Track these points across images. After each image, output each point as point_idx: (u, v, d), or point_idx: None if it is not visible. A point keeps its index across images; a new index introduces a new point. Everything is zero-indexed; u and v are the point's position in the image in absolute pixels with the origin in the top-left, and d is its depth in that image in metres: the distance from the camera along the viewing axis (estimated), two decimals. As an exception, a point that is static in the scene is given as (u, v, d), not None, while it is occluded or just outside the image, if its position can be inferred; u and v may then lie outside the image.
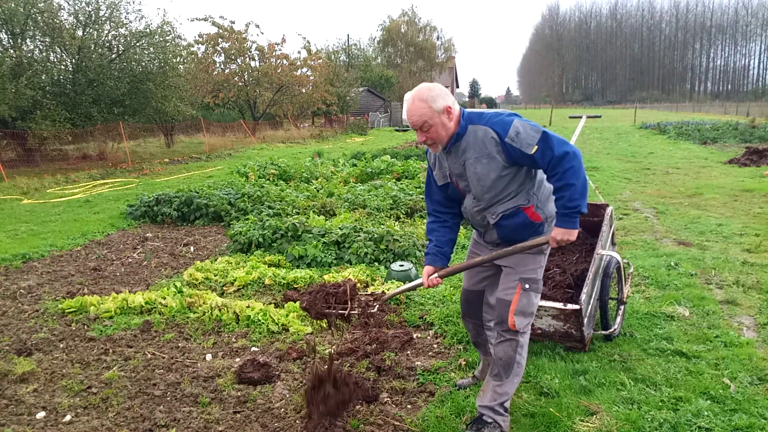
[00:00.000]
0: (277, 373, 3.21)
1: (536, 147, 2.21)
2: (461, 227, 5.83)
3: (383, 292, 2.81)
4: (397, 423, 2.68)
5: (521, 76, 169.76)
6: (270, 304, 4.31)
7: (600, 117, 5.89)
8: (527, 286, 2.45)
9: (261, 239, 5.81)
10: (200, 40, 26.39)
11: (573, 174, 2.18)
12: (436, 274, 2.57)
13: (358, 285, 4.67)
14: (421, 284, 2.61)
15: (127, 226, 7.65)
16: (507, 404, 2.50)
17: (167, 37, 18.53)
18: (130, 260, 5.92)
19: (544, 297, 3.42)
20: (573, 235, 2.27)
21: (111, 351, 3.58)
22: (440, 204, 2.67)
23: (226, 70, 27.00)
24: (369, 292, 2.96)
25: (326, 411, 2.57)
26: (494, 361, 2.52)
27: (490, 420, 2.46)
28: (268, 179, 10.54)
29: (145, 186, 11.58)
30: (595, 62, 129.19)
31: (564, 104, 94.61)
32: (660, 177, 10.88)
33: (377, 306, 2.71)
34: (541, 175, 2.45)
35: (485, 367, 2.94)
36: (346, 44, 48.80)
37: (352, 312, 2.63)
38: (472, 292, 2.78)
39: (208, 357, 3.48)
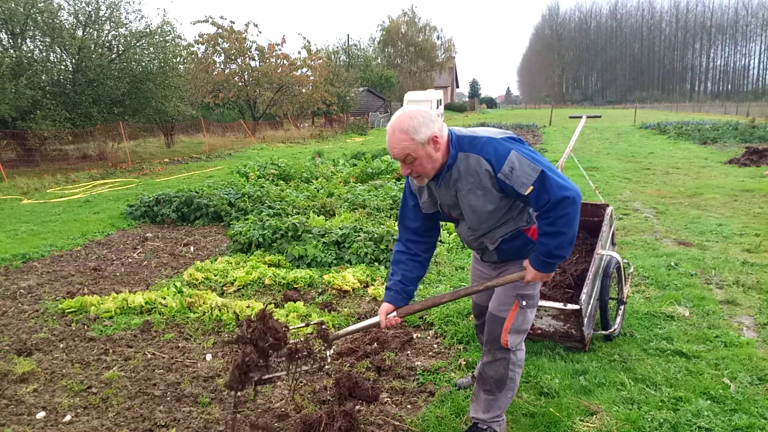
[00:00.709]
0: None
1: (531, 188, 1.99)
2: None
3: (322, 322, 2.37)
4: (397, 423, 2.68)
5: (521, 76, 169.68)
6: (270, 304, 4.31)
7: (600, 117, 5.89)
8: (524, 303, 2.29)
9: (261, 239, 5.81)
10: (200, 40, 26.43)
11: (566, 222, 1.99)
12: (394, 313, 2.31)
13: (354, 284, 4.66)
14: (377, 323, 2.32)
15: (127, 226, 7.65)
16: (502, 414, 2.47)
17: (167, 37, 18.55)
18: (130, 260, 5.92)
19: (543, 297, 3.43)
20: (549, 276, 2.17)
21: (111, 351, 3.59)
22: (415, 233, 2.39)
23: (226, 70, 27.01)
24: (310, 324, 2.38)
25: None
26: (485, 379, 2.39)
27: (485, 427, 2.45)
28: (268, 179, 10.54)
29: (145, 186, 11.58)
30: (595, 62, 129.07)
31: (564, 104, 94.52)
32: (660, 177, 10.88)
33: (329, 355, 2.34)
34: None
35: None
36: (346, 44, 48.81)
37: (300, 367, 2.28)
38: (483, 306, 2.63)
39: (208, 357, 3.49)
